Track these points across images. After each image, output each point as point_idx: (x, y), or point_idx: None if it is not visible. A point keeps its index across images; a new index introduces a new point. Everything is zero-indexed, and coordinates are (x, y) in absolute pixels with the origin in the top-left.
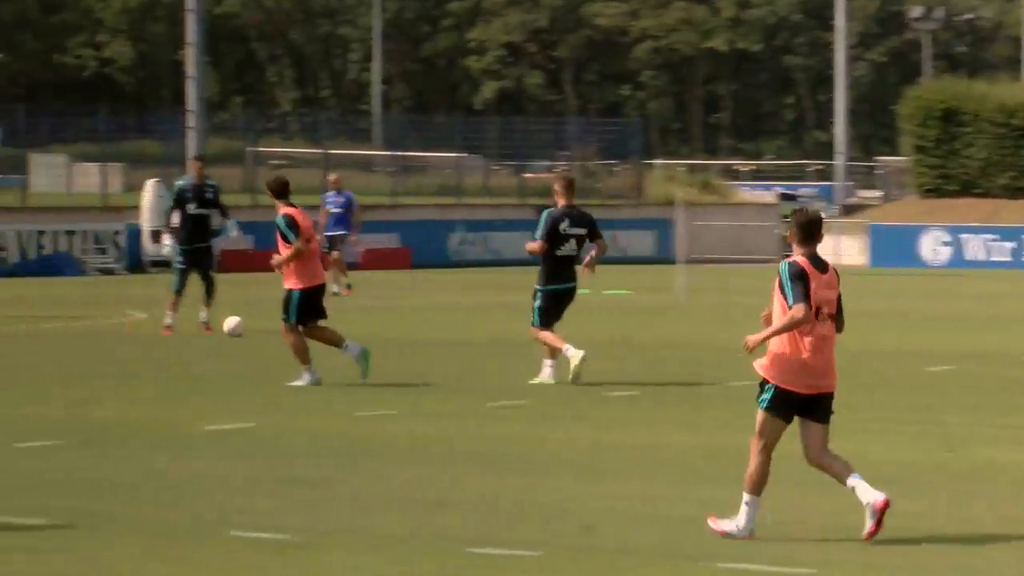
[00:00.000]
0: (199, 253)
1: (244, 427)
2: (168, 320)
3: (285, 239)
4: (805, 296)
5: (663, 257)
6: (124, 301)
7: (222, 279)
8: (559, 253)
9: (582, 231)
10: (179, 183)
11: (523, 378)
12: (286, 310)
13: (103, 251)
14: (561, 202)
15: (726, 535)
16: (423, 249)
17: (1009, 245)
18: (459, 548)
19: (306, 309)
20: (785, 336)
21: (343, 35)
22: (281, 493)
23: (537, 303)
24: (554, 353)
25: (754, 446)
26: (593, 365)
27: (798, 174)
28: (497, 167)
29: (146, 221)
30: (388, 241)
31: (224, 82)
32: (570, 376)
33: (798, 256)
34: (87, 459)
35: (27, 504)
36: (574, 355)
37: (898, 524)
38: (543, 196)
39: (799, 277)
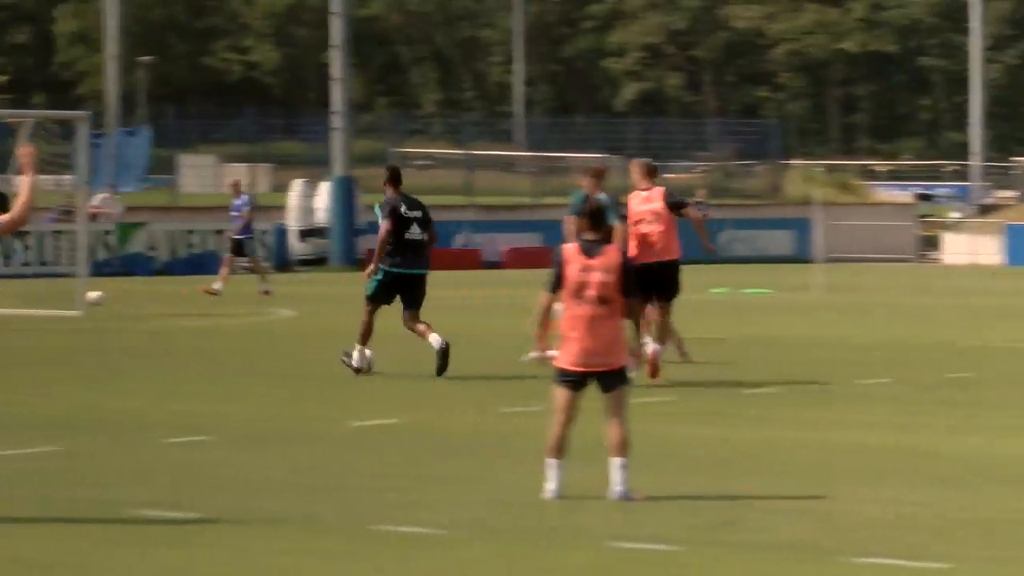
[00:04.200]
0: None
1: (388, 423)
2: None
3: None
4: (552, 283)
5: (801, 256)
6: (271, 299)
7: None
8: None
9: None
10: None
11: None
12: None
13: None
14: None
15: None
16: None
17: None
18: (599, 543)
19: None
20: (564, 319)
21: (484, 38)
22: (419, 488)
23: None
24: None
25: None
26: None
27: (935, 174)
28: None
29: (292, 220)
30: (530, 240)
31: (369, 84)
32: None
33: (569, 243)
34: (233, 455)
35: (173, 499)
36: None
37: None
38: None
39: (554, 263)
